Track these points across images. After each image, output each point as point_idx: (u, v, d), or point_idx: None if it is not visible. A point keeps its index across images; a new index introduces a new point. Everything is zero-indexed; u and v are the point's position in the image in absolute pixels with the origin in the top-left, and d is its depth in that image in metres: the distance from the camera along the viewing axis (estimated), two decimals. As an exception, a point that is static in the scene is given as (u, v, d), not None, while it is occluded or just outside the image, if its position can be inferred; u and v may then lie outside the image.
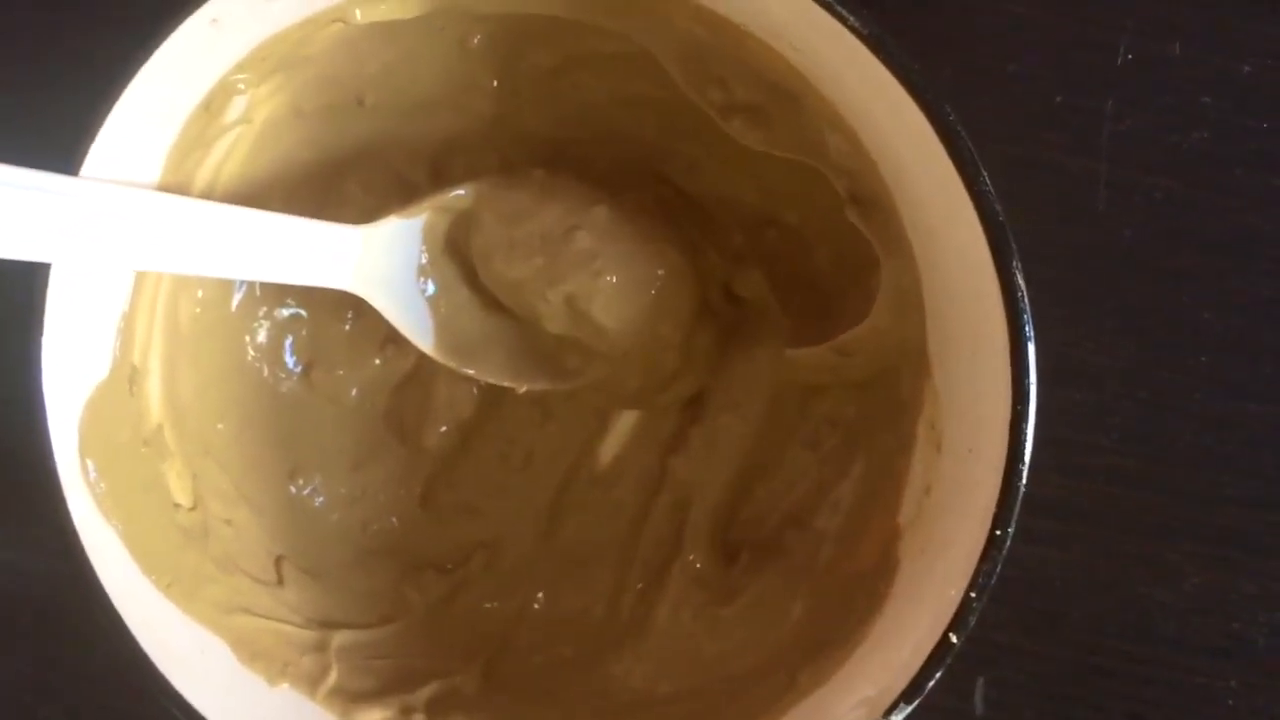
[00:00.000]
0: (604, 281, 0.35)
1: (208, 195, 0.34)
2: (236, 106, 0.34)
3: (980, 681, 0.40)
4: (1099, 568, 0.40)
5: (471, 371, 0.36)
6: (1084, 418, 0.40)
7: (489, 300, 0.36)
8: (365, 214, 0.35)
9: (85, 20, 0.39)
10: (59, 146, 0.30)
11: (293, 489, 0.38)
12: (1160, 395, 0.40)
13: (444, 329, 0.36)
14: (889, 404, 0.35)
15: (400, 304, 0.35)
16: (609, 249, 0.35)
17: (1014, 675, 0.40)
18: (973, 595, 0.30)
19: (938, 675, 0.31)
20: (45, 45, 0.39)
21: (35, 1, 0.40)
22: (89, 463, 0.32)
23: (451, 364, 0.36)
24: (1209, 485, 0.40)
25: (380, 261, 0.35)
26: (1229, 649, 0.40)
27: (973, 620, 0.31)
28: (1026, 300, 0.30)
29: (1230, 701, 0.40)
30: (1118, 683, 0.40)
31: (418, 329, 0.36)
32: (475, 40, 0.36)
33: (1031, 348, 0.30)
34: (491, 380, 0.37)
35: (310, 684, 0.35)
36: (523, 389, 0.37)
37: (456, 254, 0.36)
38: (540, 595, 0.38)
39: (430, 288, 0.36)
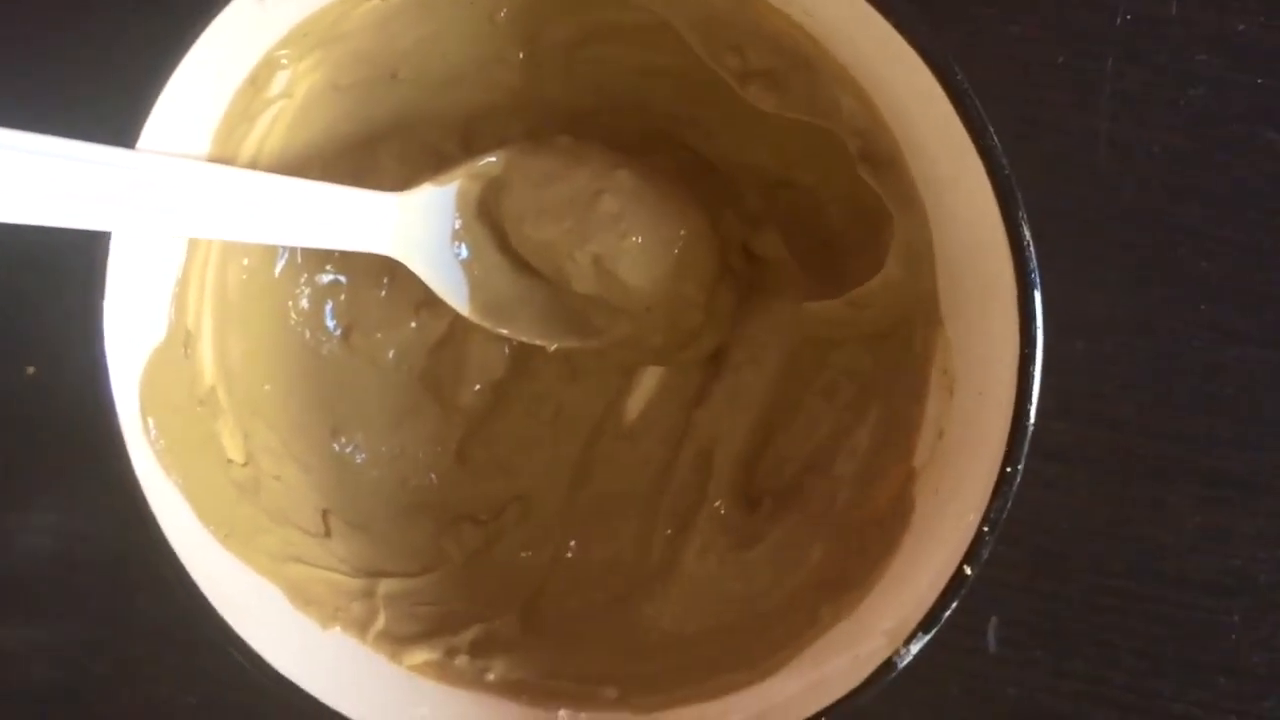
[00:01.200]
0: (629, 242, 0.36)
1: (252, 166, 0.36)
2: (279, 81, 0.35)
3: (993, 620, 0.42)
4: (1103, 510, 0.42)
5: (504, 331, 0.38)
6: (1087, 366, 0.42)
7: (519, 263, 0.38)
8: (400, 183, 0.37)
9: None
10: (114, 120, 0.32)
11: (336, 447, 0.40)
12: (1160, 343, 0.42)
13: (477, 291, 0.38)
14: (903, 353, 0.37)
15: (435, 267, 0.37)
16: (633, 211, 0.37)
17: (1024, 614, 0.42)
18: (985, 529, 0.32)
19: (953, 605, 0.32)
20: (102, 22, 0.41)
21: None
22: (150, 421, 0.34)
23: (485, 324, 0.38)
24: (1207, 429, 0.42)
25: (416, 227, 0.36)
26: (1230, 585, 0.42)
27: (985, 553, 0.32)
28: (1032, 249, 0.31)
29: (1233, 635, 0.42)
30: (1124, 619, 0.42)
31: (452, 291, 0.37)
32: (502, 14, 0.38)
33: (1038, 294, 0.31)
34: (523, 339, 0.38)
35: (360, 628, 0.37)
36: (553, 347, 0.38)
37: (488, 219, 0.38)
38: (572, 544, 0.40)
39: (463, 251, 0.38)
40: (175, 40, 0.31)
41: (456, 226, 0.37)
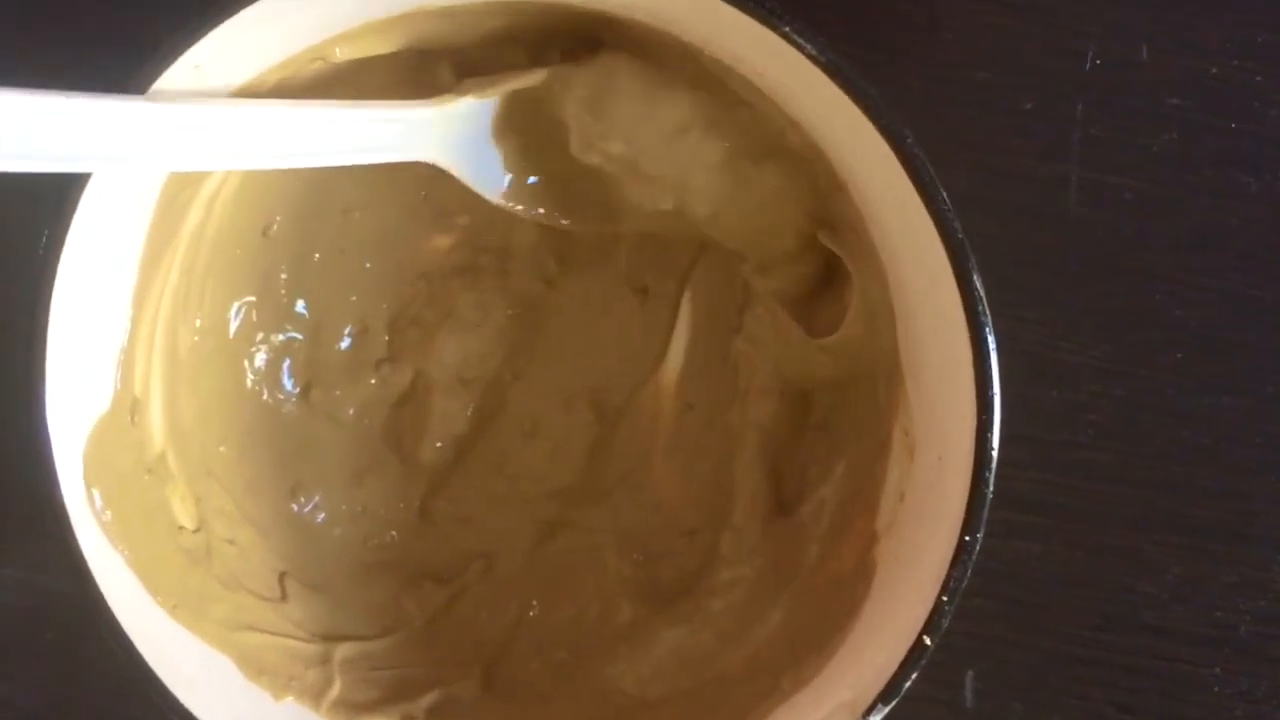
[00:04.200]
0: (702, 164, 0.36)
1: (200, 229, 0.36)
2: None
3: (969, 674, 0.41)
4: (1080, 561, 0.41)
5: (565, 222, 0.38)
6: (1060, 415, 0.41)
7: (570, 169, 0.37)
8: (379, 242, 0.38)
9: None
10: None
11: (294, 507, 0.40)
12: (1134, 392, 0.41)
13: (521, 188, 0.38)
14: (868, 408, 0.36)
15: (476, 169, 0.37)
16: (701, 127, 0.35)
17: (1002, 667, 0.41)
18: (944, 599, 0.31)
19: (913, 677, 0.32)
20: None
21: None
22: (95, 492, 0.33)
23: (539, 219, 0.38)
24: (1184, 478, 0.41)
25: (454, 135, 0.36)
26: (1212, 636, 0.41)
27: (945, 623, 0.32)
28: (988, 314, 0.31)
29: (1215, 688, 0.41)
30: (1103, 671, 0.41)
31: (494, 191, 0.37)
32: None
33: (994, 359, 0.31)
34: (577, 229, 0.38)
35: (315, 697, 0.36)
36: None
37: (534, 135, 0.37)
38: (535, 603, 0.40)
39: (502, 155, 0.37)
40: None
41: (495, 138, 0.37)
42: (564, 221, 0.38)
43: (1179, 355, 0.41)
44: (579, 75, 0.36)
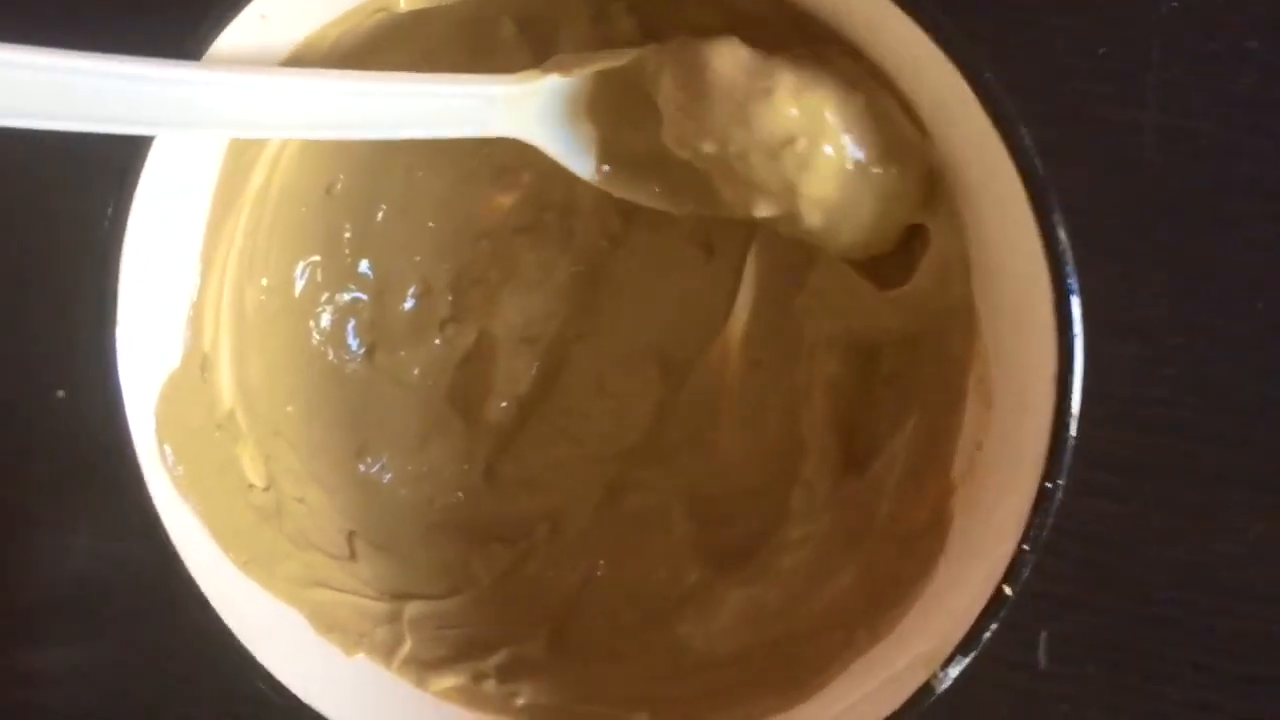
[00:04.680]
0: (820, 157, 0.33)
1: (265, 188, 0.36)
2: None
3: (1043, 635, 0.41)
4: (1157, 520, 0.40)
5: (664, 207, 0.37)
6: (1138, 370, 0.40)
7: (658, 153, 0.35)
8: (441, 201, 0.38)
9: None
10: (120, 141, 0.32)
11: (361, 467, 0.40)
12: (1214, 344, 0.40)
13: (608, 160, 0.36)
14: (940, 360, 0.35)
15: (561, 143, 0.35)
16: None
17: (1076, 628, 0.41)
18: (1025, 548, 0.31)
19: (993, 628, 0.31)
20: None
21: None
22: (166, 448, 0.33)
23: (625, 195, 0.37)
24: (1266, 434, 0.40)
25: (536, 111, 0.35)
26: (1294, 596, 0.40)
27: (1026, 572, 0.31)
28: (1069, 253, 0.30)
29: (1298, 648, 0.40)
30: (1180, 632, 0.40)
31: (581, 164, 0.36)
32: None
33: (1076, 300, 0.30)
34: (659, 207, 0.37)
35: (385, 654, 0.36)
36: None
37: (628, 115, 0.36)
38: (602, 563, 0.39)
39: (590, 131, 0.36)
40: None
41: (580, 114, 0.35)
42: (663, 206, 0.37)
43: (1259, 305, 0.40)
44: (672, 59, 0.34)
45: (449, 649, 0.37)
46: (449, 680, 0.36)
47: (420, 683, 0.36)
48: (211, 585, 0.33)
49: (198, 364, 0.35)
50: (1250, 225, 0.40)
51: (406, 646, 0.36)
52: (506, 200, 0.40)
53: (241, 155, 0.35)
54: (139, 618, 0.42)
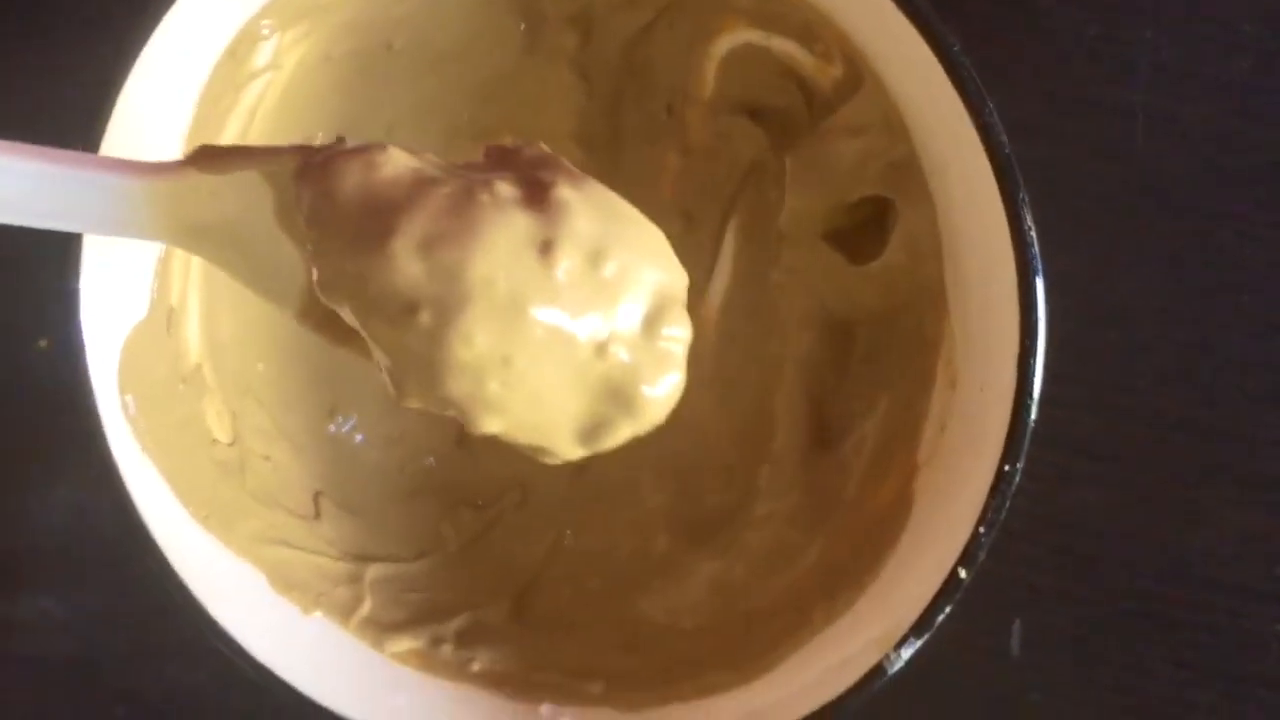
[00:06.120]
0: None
1: (242, 138, 0.35)
2: (264, 53, 0.35)
3: (1017, 623, 0.40)
4: (1136, 510, 0.40)
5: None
6: (1120, 358, 0.40)
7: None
8: None
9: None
10: (86, 97, 0.32)
11: (332, 427, 0.39)
12: (1198, 335, 0.39)
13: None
14: (912, 341, 0.35)
15: (246, 264, 0.28)
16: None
17: (1050, 617, 0.40)
18: (981, 530, 0.30)
19: (947, 610, 0.31)
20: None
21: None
22: (128, 398, 0.33)
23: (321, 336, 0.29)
24: (1248, 426, 0.39)
25: (197, 215, 0.27)
26: (1272, 591, 0.40)
27: (982, 555, 0.31)
28: (1034, 233, 0.29)
29: (1274, 644, 0.40)
30: (1157, 625, 0.40)
31: (279, 297, 0.28)
32: None
33: (1040, 280, 0.29)
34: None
35: (343, 613, 0.36)
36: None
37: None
38: (569, 532, 0.39)
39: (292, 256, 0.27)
40: (141, 15, 0.31)
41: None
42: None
43: (1245, 297, 0.39)
44: (306, 174, 0.25)
45: (409, 612, 0.37)
46: (406, 643, 0.36)
47: (377, 644, 0.36)
48: (169, 539, 0.33)
49: (164, 317, 0.35)
50: (1240, 214, 0.39)
51: (366, 607, 0.36)
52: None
53: (217, 103, 0.34)
54: (112, 568, 0.42)
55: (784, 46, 0.36)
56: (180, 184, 0.26)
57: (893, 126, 0.33)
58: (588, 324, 0.24)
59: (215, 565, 0.35)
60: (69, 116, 0.31)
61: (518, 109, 0.38)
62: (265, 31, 0.34)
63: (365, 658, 0.35)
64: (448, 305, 0.23)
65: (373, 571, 0.37)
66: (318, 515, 0.38)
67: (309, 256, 0.25)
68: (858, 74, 0.34)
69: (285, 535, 0.37)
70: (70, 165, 0.26)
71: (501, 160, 0.26)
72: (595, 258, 0.24)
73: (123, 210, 0.26)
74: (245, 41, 0.34)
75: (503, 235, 0.23)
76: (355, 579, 0.37)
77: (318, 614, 0.36)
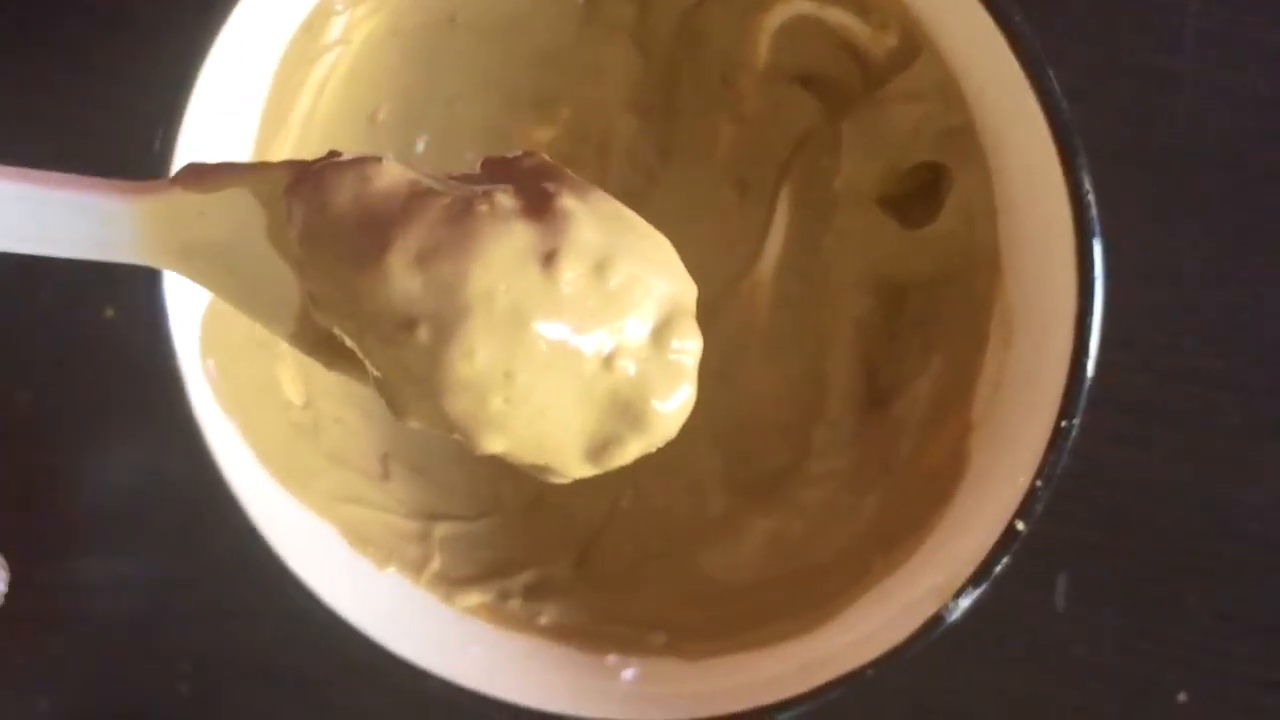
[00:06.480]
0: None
1: (309, 116, 0.36)
2: (336, 27, 0.35)
3: (1062, 578, 0.41)
4: (1183, 468, 0.41)
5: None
6: (1167, 318, 0.40)
7: None
8: (481, 133, 0.36)
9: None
10: (169, 68, 0.33)
11: (397, 391, 0.40)
12: (1244, 295, 0.40)
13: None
14: (965, 302, 0.36)
15: (238, 288, 0.26)
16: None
17: (1096, 573, 0.41)
18: (1038, 484, 0.31)
19: (1004, 561, 0.32)
20: None
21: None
22: (209, 362, 0.34)
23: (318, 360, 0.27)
24: (1294, 385, 0.40)
25: (184, 238, 0.25)
26: (1317, 548, 0.40)
27: (1039, 508, 0.32)
28: (1093, 196, 0.30)
29: (1319, 599, 0.41)
30: (1203, 580, 0.41)
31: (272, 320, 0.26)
32: None
33: (1098, 243, 0.30)
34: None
35: (415, 569, 0.37)
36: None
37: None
38: (628, 493, 0.40)
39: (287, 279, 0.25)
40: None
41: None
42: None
43: (1291, 257, 0.40)
44: (299, 187, 0.24)
45: (476, 568, 0.38)
46: (475, 597, 0.37)
47: (447, 599, 0.37)
48: (250, 498, 0.34)
49: (241, 283, 0.36)
50: (1283, 177, 0.40)
51: (435, 563, 0.37)
52: (545, 134, 0.40)
53: (289, 79, 0.35)
54: (181, 530, 0.44)
55: (839, 17, 0.37)
56: (166, 204, 0.25)
57: (949, 94, 0.34)
58: (594, 337, 0.23)
59: (294, 523, 0.36)
60: (155, 86, 0.32)
61: (576, 80, 0.39)
62: (339, 6, 0.35)
63: (438, 611, 0.37)
64: (447, 320, 0.23)
65: (440, 529, 0.39)
66: (387, 475, 0.39)
67: (302, 274, 0.24)
68: (914, 43, 0.34)
69: (358, 494, 0.38)
70: (50, 187, 0.25)
71: (500, 171, 0.25)
72: (600, 268, 0.23)
73: (107, 232, 0.25)
74: (320, 16, 0.34)
75: (503, 246, 0.23)
76: (424, 537, 0.38)
77: (391, 569, 0.37)
